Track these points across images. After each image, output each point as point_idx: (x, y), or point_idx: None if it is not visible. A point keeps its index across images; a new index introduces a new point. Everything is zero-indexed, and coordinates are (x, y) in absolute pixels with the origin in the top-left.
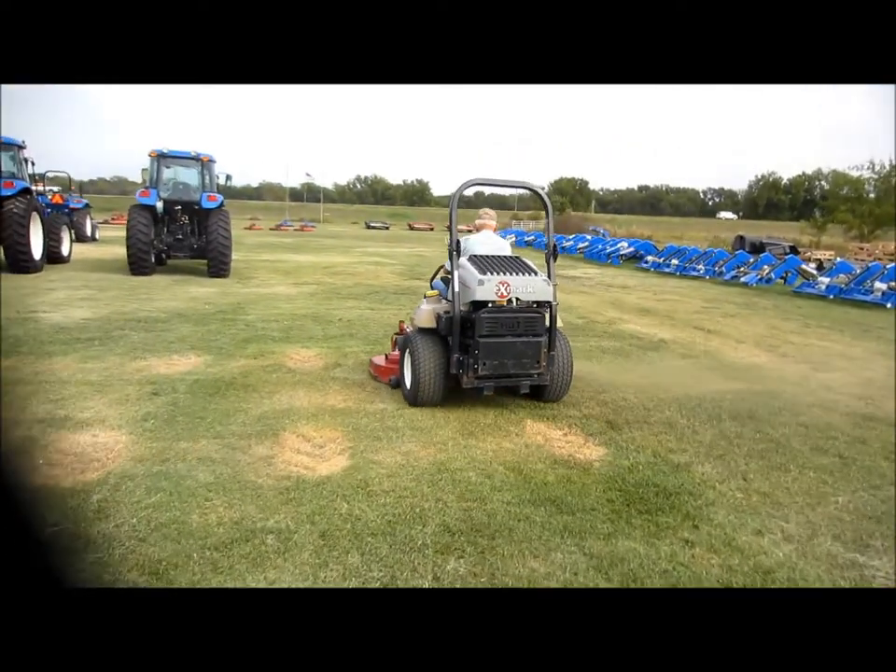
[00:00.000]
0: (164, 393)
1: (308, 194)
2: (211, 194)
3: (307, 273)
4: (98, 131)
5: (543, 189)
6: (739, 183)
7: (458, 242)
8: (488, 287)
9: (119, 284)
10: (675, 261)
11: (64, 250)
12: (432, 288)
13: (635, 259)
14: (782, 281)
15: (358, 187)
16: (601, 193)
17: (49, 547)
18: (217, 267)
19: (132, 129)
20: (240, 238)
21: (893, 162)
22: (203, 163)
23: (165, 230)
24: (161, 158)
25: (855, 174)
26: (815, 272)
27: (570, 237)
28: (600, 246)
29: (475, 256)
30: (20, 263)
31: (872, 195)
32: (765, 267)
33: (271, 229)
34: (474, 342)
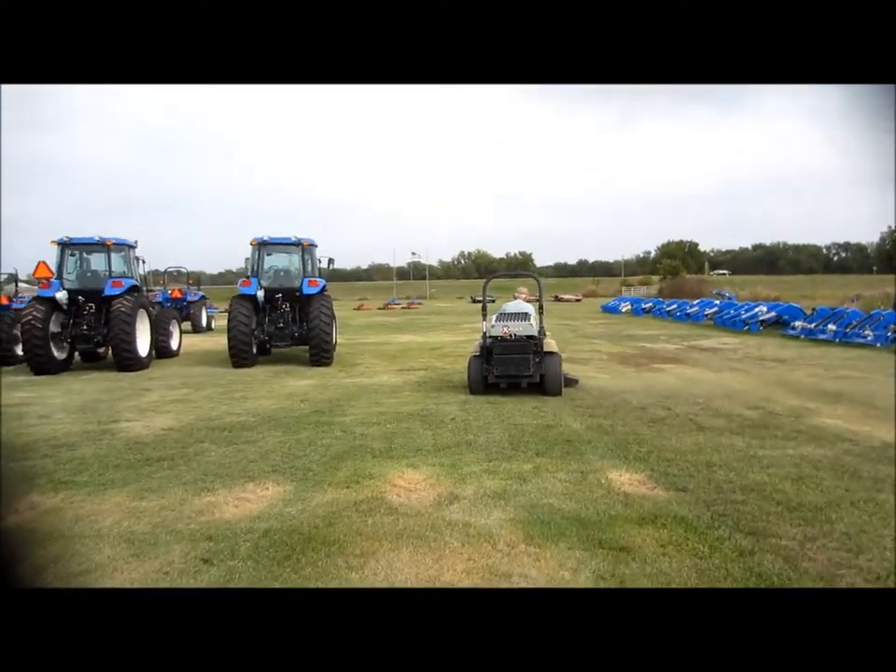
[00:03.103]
0: (219, 559)
1: (415, 272)
2: (312, 279)
3: (413, 357)
4: (224, 227)
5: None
6: (869, 235)
7: (485, 307)
8: (498, 329)
9: (218, 379)
10: (832, 327)
11: (173, 344)
12: None
13: (777, 324)
14: None
15: (462, 262)
16: (712, 254)
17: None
18: (319, 356)
19: (253, 221)
20: (348, 319)
21: None
22: (304, 248)
23: (267, 318)
24: (262, 246)
25: None
26: None
27: (694, 302)
28: (733, 311)
29: (502, 313)
30: (125, 362)
31: None
32: None
33: (378, 308)
34: (493, 357)
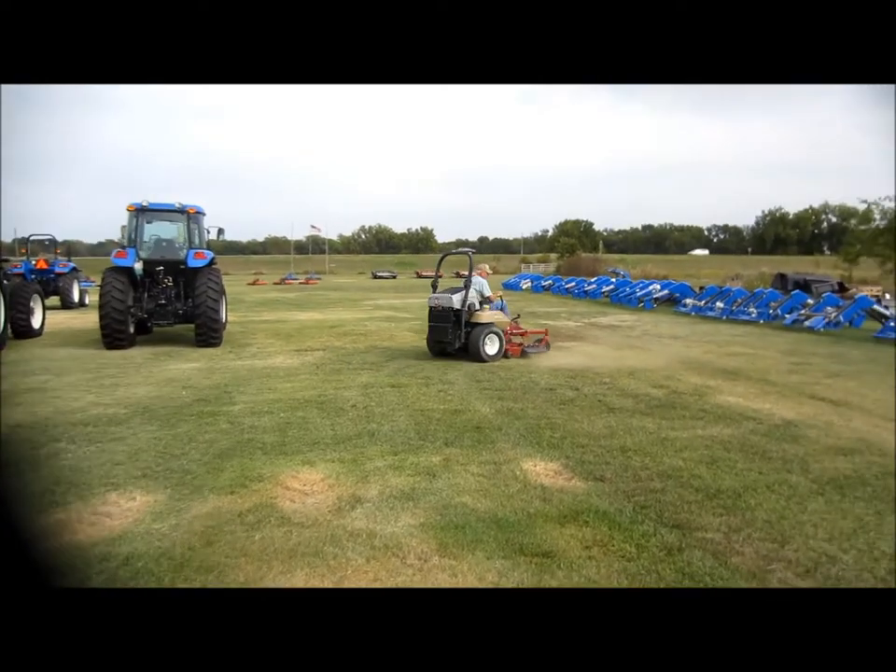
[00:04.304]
0: None
1: (313, 246)
2: (199, 251)
3: (311, 336)
4: (106, 194)
5: (471, 250)
6: (744, 219)
7: (436, 282)
8: (431, 301)
9: (86, 363)
10: (720, 304)
11: (35, 322)
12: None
13: (669, 302)
14: (848, 324)
15: (363, 237)
16: (605, 234)
17: (43, 547)
18: (206, 335)
19: (139, 188)
20: (241, 295)
21: None
22: (190, 216)
23: (146, 294)
24: (140, 212)
25: (888, 204)
26: (887, 311)
27: (592, 280)
28: (628, 289)
29: (452, 287)
30: None
31: (879, 225)
32: (829, 309)
33: (275, 283)
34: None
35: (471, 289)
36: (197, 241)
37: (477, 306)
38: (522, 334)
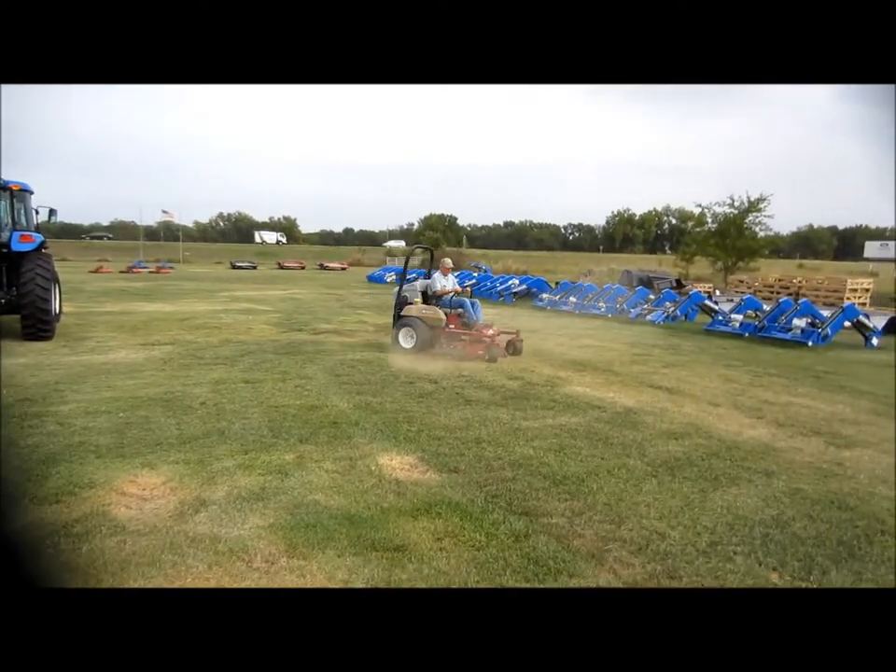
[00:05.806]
0: None
1: (166, 233)
2: (25, 234)
3: (160, 329)
4: None
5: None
6: (597, 218)
7: (404, 274)
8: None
9: None
10: (573, 299)
11: None
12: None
13: (527, 296)
14: (684, 318)
15: (222, 224)
16: (469, 229)
17: (34, 547)
18: (35, 327)
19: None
20: (81, 284)
21: (751, 199)
22: (14, 193)
23: None
24: None
25: (719, 209)
26: (716, 306)
27: (456, 274)
28: (489, 284)
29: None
30: None
31: (711, 228)
32: (668, 304)
33: (121, 272)
34: None
35: (413, 284)
36: (23, 222)
37: (411, 300)
38: (486, 336)
